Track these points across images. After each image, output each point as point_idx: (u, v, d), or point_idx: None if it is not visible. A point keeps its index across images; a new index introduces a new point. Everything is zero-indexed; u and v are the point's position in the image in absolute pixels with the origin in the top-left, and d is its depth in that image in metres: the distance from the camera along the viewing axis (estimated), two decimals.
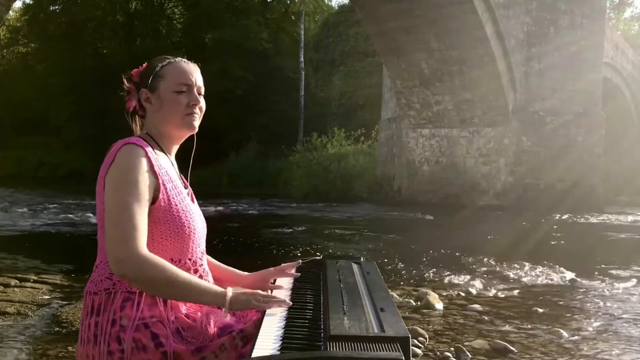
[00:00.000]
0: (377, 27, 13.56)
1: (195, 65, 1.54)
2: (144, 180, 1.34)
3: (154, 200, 1.37)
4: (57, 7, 30.89)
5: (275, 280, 1.69)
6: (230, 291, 1.37)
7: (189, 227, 1.42)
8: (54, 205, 12.91)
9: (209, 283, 1.43)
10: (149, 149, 1.40)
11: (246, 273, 1.70)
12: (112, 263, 1.30)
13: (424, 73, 13.97)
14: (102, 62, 27.84)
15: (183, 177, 1.60)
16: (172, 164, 1.52)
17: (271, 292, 1.52)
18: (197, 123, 1.51)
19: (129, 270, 1.28)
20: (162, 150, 1.50)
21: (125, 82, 1.53)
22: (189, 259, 1.44)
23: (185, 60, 1.53)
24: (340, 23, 26.04)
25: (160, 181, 1.39)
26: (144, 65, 1.54)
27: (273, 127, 25.05)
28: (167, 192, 1.39)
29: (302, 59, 26.25)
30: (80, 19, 28.43)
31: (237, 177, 23.13)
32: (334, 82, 24.75)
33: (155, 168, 1.39)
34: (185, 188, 1.53)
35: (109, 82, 27.14)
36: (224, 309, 1.37)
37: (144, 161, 1.36)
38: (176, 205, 1.41)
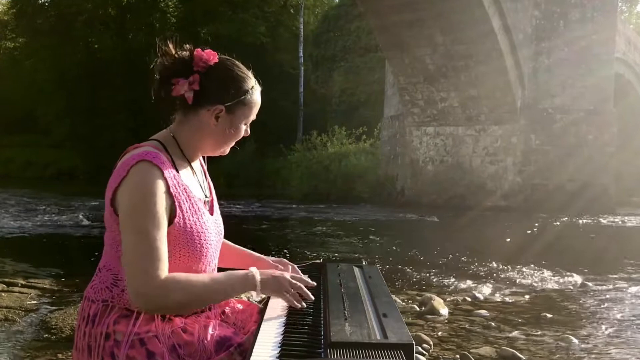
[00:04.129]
0: (379, 21, 13.55)
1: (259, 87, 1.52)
2: (161, 204, 1.32)
3: (169, 223, 1.35)
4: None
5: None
6: (257, 275, 1.39)
7: (200, 250, 1.41)
8: (43, 206, 12.91)
9: (229, 275, 1.41)
10: (166, 167, 1.36)
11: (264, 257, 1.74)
12: (134, 297, 1.29)
13: (428, 69, 13.97)
14: (93, 57, 27.82)
15: (208, 179, 1.59)
16: (194, 172, 1.50)
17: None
18: None
19: (153, 302, 1.29)
20: (185, 157, 1.47)
21: (176, 52, 1.43)
22: None
23: (258, 83, 1.50)
24: (341, 17, 26.04)
25: (177, 203, 1.36)
26: (215, 59, 1.43)
27: (271, 125, 25.01)
28: (183, 214, 1.37)
29: (301, 54, 26.25)
30: (70, 12, 28.39)
31: (234, 177, 23.13)
32: (334, 78, 24.76)
33: (172, 189, 1.36)
34: (207, 197, 1.52)
35: (100, 78, 27.24)
36: (254, 293, 1.39)
37: (160, 183, 1.33)
38: (191, 227, 1.39)
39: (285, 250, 7.27)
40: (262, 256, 1.74)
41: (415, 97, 14.72)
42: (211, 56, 1.44)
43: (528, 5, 13.57)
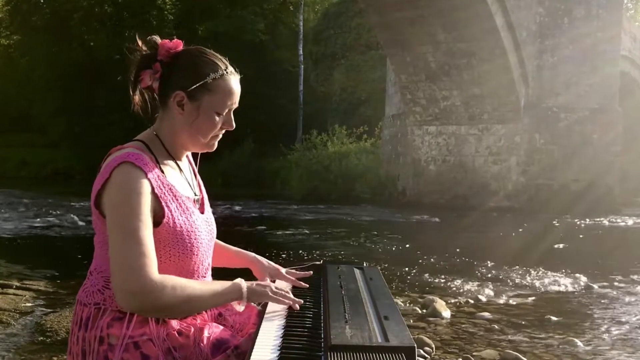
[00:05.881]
0: (380, 18, 13.55)
1: (238, 75, 1.48)
2: (146, 204, 1.31)
3: (157, 223, 1.35)
4: None
5: (274, 281, 1.72)
6: (244, 284, 1.40)
7: (191, 249, 1.41)
8: (38, 206, 12.90)
9: (218, 282, 1.43)
10: (149, 168, 1.35)
11: (259, 258, 1.75)
12: (123, 296, 1.26)
13: (430, 67, 13.97)
14: (88, 55, 27.81)
15: (197, 176, 1.59)
16: (181, 170, 1.49)
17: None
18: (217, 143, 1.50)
19: (145, 301, 1.26)
20: (171, 156, 1.47)
21: (144, 45, 1.44)
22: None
23: (233, 70, 1.46)
24: (342, 14, 26.02)
25: (163, 204, 1.36)
26: (180, 46, 1.44)
27: (270, 124, 25.07)
28: (171, 214, 1.37)
29: (301, 52, 26.24)
30: (65, 9, 28.40)
31: (232, 177, 23.12)
32: (334, 77, 24.73)
33: (156, 190, 1.35)
34: (197, 195, 1.51)
35: (96, 76, 27.25)
36: (241, 303, 1.40)
37: (144, 184, 1.32)
38: (181, 226, 1.38)
39: (284, 252, 7.27)
40: (259, 257, 1.76)
41: (417, 95, 14.71)
42: (175, 44, 1.43)
43: (532, 2, 13.56)
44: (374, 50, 23.40)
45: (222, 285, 1.39)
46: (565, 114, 13.84)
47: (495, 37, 12.78)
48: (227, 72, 1.44)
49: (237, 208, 13.57)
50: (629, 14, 31.69)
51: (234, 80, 1.46)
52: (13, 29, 34.20)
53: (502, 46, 12.89)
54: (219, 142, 1.51)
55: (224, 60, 1.46)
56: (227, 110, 1.45)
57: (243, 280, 1.42)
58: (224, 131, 1.49)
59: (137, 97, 1.47)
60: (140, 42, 1.44)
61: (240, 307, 1.42)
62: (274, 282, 1.71)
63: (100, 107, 26.51)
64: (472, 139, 14.42)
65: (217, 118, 1.44)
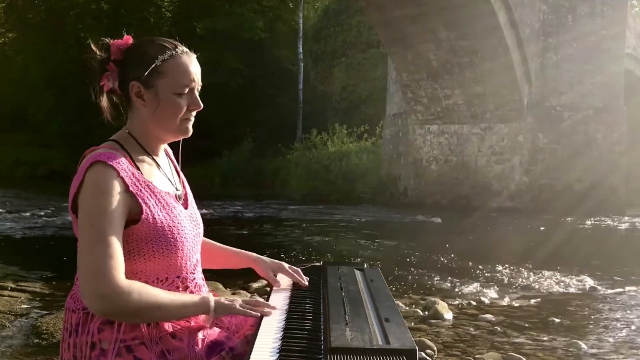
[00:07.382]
0: (381, 15, 13.55)
1: (193, 54, 1.48)
2: (117, 205, 1.30)
3: (135, 220, 1.35)
4: None
5: (276, 276, 1.74)
6: (212, 297, 1.40)
7: (175, 245, 1.40)
8: (34, 207, 12.90)
9: (188, 295, 1.42)
10: (122, 166, 1.35)
11: (257, 256, 1.77)
12: (90, 300, 1.26)
13: (432, 65, 13.96)
14: (85, 53, 27.81)
15: (179, 172, 1.59)
16: (159, 166, 1.49)
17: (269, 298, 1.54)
18: (191, 126, 1.49)
19: (112, 304, 1.25)
20: (146, 152, 1.46)
21: (98, 51, 1.44)
22: (177, 277, 1.43)
23: (186, 50, 1.46)
24: (342, 11, 26.03)
25: (140, 200, 1.35)
26: (129, 41, 1.45)
27: (269, 123, 25.06)
28: (150, 210, 1.36)
29: (300, 50, 26.25)
30: (61, 6, 28.41)
31: (231, 177, 23.13)
32: (335, 75, 24.74)
33: (131, 188, 1.34)
34: (178, 190, 1.51)
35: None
36: (208, 316, 1.39)
37: (115, 183, 1.32)
38: (161, 222, 1.38)
39: (284, 253, 7.27)
40: (261, 256, 1.77)
41: (418, 94, 14.71)
42: (125, 40, 1.45)
43: None
44: (374, 48, 23.40)
45: (192, 298, 1.38)
46: (569, 113, 13.84)
47: (498, 35, 12.77)
48: (176, 52, 1.43)
49: (236, 208, 13.57)
50: (634, 12, 31.67)
51: (187, 59, 1.44)
52: (8, 27, 34.20)
53: (504, 44, 12.89)
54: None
55: (173, 42, 1.46)
56: (187, 90, 1.44)
57: (212, 295, 1.43)
58: (194, 113, 1.48)
59: (104, 104, 1.48)
60: (94, 48, 1.45)
61: (207, 322, 1.41)
62: (275, 276, 1.73)
63: (97, 107, 26.40)
64: (474, 138, 14.42)
65: (178, 100, 1.43)
